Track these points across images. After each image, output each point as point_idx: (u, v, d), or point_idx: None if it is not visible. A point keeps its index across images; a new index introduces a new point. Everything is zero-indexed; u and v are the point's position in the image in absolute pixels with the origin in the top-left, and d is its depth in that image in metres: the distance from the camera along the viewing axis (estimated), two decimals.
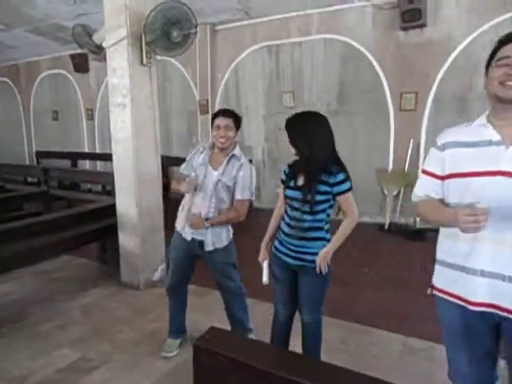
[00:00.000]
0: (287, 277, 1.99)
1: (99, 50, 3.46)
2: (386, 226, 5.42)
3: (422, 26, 5.03)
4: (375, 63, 5.44)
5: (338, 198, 1.84)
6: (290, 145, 1.89)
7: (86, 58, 8.16)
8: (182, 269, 2.41)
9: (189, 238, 2.30)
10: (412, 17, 4.93)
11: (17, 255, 2.89)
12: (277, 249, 2.01)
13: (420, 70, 5.16)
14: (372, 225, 5.57)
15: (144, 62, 3.22)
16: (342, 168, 1.83)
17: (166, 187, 3.32)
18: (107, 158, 8.30)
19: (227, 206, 2.28)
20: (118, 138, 3.33)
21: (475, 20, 4.78)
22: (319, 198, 1.81)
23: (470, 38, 4.84)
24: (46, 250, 3.14)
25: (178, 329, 2.55)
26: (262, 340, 1.89)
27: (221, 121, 2.18)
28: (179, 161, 4.24)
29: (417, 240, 4.90)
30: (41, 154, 9.11)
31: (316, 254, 1.87)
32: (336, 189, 1.82)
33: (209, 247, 2.28)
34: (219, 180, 2.22)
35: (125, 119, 3.24)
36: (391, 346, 2.60)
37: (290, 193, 1.91)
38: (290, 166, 2.00)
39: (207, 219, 2.21)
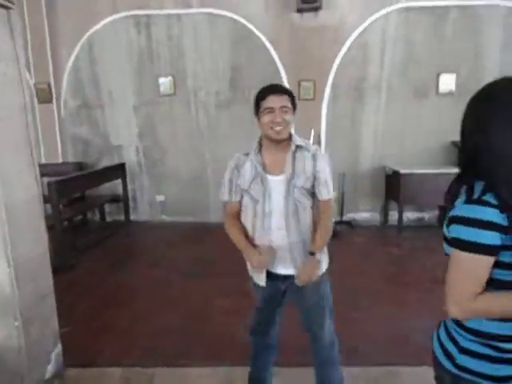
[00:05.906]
0: None
1: None
2: None
3: (317, 8, 4.71)
4: (270, 47, 4.86)
5: None
6: None
7: None
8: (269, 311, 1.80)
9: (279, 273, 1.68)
10: None
11: None
12: None
13: (317, 57, 4.85)
14: None
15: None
16: None
17: None
18: None
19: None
20: None
21: (367, 7, 4.72)
22: None
23: (362, 27, 4.76)
24: None
25: None
26: None
27: (273, 101, 1.54)
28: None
29: None
30: None
31: None
32: None
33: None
34: (293, 186, 1.57)
35: None
36: None
37: None
38: None
39: (312, 254, 1.61)
